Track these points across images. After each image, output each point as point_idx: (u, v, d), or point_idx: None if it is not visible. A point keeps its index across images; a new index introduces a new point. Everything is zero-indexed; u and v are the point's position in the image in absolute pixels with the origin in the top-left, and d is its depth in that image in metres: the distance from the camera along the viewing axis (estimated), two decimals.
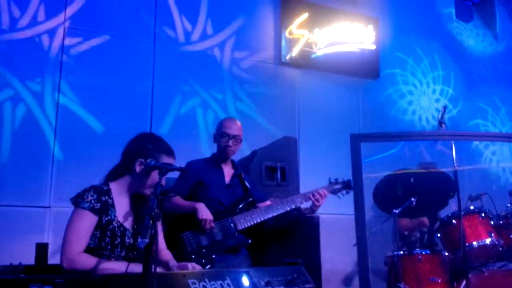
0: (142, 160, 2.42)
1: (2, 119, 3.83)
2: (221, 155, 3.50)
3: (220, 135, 3.47)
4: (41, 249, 2.98)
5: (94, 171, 3.94)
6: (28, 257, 2.95)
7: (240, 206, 3.37)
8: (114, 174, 2.52)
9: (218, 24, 4.90)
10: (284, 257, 3.71)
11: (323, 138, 5.14)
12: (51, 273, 2.55)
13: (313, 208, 3.53)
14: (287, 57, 5.19)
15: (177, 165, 2.48)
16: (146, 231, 1.81)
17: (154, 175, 2.41)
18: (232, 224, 3.26)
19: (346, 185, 3.62)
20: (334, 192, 3.61)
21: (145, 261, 1.80)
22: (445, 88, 6.24)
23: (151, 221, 1.85)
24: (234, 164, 3.60)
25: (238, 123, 3.54)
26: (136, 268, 2.22)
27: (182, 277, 2.07)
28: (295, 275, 2.47)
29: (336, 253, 4.60)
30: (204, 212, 3.17)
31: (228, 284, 2.21)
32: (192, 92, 4.66)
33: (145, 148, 2.45)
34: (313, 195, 3.43)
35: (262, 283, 2.33)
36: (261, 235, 3.75)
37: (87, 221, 2.32)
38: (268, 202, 3.53)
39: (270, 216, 3.33)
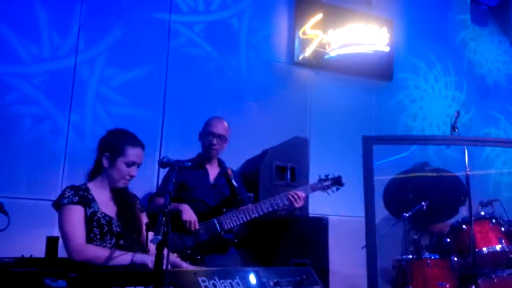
0: (108, 154, 2.52)
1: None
2: (205, 154, 3.46)
3: (206, 133, 3.43)
4: (52, 242, 3.00)
5: None
6: (39, 250, 2.97)
7: (226, 205, 3.32)
8: (90, 175, 2.62)
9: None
10: (292, 258, 3.71)
11: (334, 139, 5.12)
12: (62, 266, 2.57)
13: (289, 209, 3.49)
14: (300, 57, 5.17)
15: (189, 163, 2.53)
16: (160, 228, 1.83)
17: (121, 167, 2.51)
18: (217, 224, 3.22)
19: (336, 181, 3.55)
20: (323, 189, 3.53)
21: (157, 258, 1.81)
22: (457, 94, 6.19)
23: (163, 218, 1.87)
24: (220, 163, 3.54)
25: (225, 123, 3.50)
26: (141, 257, 2.32)
27: (192, 275, 2.09)
28: (304, 276, 2.47)
29: (344, 255, 4.58)
30: (188, 214, 3.14)
31: (237, 283, 2.22)
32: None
33: (109, 142, 2.57)
34: (292, 196, 3.37)
35: (271, 283, 2.34)
36: (270, 233, 3.77)
37: (75, 213, 2.41)
38: (248, 206, 3.40)
39: (257, 215, 3.27)
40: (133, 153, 2.53)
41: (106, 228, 2.45)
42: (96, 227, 2.43)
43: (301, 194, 3.40)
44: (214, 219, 3.23)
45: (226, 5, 4.92)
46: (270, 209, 3.32)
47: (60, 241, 3.02)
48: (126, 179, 2.57)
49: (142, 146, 2.60)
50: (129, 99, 4.31)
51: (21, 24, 3.98)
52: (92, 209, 2.45)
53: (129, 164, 2.52)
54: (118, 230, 2.48)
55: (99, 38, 4.25)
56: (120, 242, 2.47)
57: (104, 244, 2.42)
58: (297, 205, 3.38)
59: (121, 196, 2.59)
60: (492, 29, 6.70)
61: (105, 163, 2.53)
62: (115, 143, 2.54)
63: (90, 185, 2.55)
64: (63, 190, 2.49)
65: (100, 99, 4.17)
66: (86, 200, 2.45)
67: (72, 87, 4.09)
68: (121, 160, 2.51)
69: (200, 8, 4.78)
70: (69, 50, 4.12)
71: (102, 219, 2.45)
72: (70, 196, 2.43)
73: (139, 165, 2.58)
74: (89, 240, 2.40)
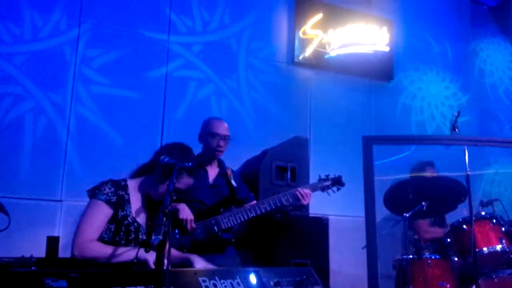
0: (163, 170, 2.43)
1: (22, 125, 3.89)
2: (209, 156, 3.45)
3: (210, 135, 3.41)
4: (52, 242, 2.99)
5: (105, 167, 3.99)
6: (39, 250, 2.97)
7: (224, 205, 3.32)
8: (136, 172, 2.59)
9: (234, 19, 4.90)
10: (292, 258, 3.71)
11: (335, 139, 5.12)
12: (63, 266, 2.57)
13: (296, 206, 3.48)
14: (300, 57, 5.17)
15: (190, 164, 2.51)
16: (160, 228, 1.83)
17: (168, 188, 2.39)
18: (214, 224, 3.21)
19: (337, 182, 3.55)
20: (323, 189, 3.53)
21: (157, 258, 1.81)
22: (457, 92, 6.20)
23: (164, 218, 1.86)
24: (220, 163, 3.54)
25: (225, 123, 3.51)
26: (145, 254, 2.27)
27: (193, 275, 2.09)
28: (304, 276, 2.47)
29: (345, 255, 4.59)
30: (185, 212, 3.14)
31: (238, 283, 2.22)
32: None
33: (171, 154, 2.47)
34: (300, 193, 3.37)
35: (271, 283, 2.34)
36: (270, 233, 3.76)
37: (102, 213, 2.37)
38: (253, 202, 3.45)
39: (254, 214, 3.27)
40: (186, 182, 2.46)
41: (133, 236, 2.42)
42: (123, 231, 2.40)
43: (308, 191, 3.40)
44: (212, 219, 3.23)
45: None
46: (268, 209, 3.32)
47: (61, 241, 3.04)
48: (163, 197, 2.50)
49: (196, 174, 2.52)
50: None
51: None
52: (125, 212, 2.41)
53: (176, 190, 2.44)
54: (145, 238, 2.45)
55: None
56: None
57: None
58: (304, 202, 3.38)
59: (153, 202, 2.54)
60: (492, 29, 6.69)
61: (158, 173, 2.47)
62: (175, 157, 2.42)
63: (130, 183, 2.50)
64: (103, 182, 2.43)
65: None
66: (122, 202, 2.41)
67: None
68: (172, 183, 2.40)
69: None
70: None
71: (131, 225, 2.42)
72: (110, 194, 2.39)
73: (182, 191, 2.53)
74: (114, 242, 2.37)
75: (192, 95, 4.58)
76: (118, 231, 2.39)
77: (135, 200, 2.48)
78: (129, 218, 2.42)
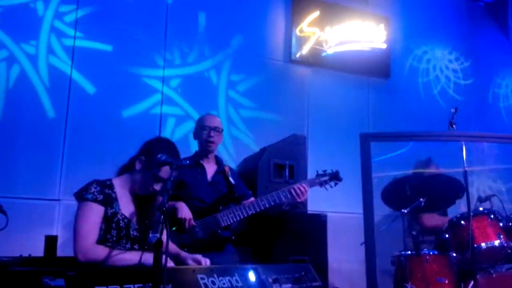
0: (143, 158, 2.47)
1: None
2: (203, 150, 3.46)
3: (201, 128, 3.43)
4: (50, 241, 3.01)
5: (104, 166, 3.98)
6: (37, 249, 2.98)
7: (223, 203, 3.32)
8: (120, 170, 2.59)
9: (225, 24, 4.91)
10: (291, 255, 3.71)
11: (332, 136, 5.13)
12: (61, 265, 2.57)
13: (293, 204, 3.48)
14: (297, 55, 5.18)
15: (187, 162, 2.51)
16: (158, 226, 1.83)
17: (149, 178, 2.44)
18: (214, 222, 3.22)
19: (334, 177, 3.55)
20: (321, 184, 3.52)
21: (155, 255, 1.81)
22: (457, 81, 6.20)
23: (162, 216, 1.86)
24: (217, 160, 3.54)
25: (218, 118, 3.54)
26: (150, 258, 2.25)
27: (191, 272, 2.09)
28: (303, 273, 2.48)
29: (343, 252, 4.60)
30: (184, 211, 3.14)
31: (236, 280, 2.23)
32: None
33: (151, 149, 2.49)
34: (294, 190, 3.36)
35: (270, 280, 2.35)
36: (268, 230, 3.77)
37: (94, 212, 2.36)
38: (252, 199, 3.45)
39: (253, 212, 3.28)
40: (166, 170, 2.43)
41: (124, 232, 2.41)
42: (114, 228, 2.39)
43: (304, 187, 3.39)
44: (211, 217, 3.23)
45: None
46: (267, 206, 3.32)
47: (59, 240, 3.04)
48: (147, 191, 2.50)
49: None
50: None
51: None
52: (114, 209, 2.41)
53: (158, 180, 2.44)
54: (135, 234, 2.45)
55: None
56: (134, 246, 2.44)
57: (118, 247, 2.38)
58: (299, 200, 3.37)
59: (142, 198, 2.54)
60: (489, 25, 6.68)
61: (138, 166, 2.48)
62: (154, 150, 2.45)
63: (115, 182, 2.50)
64: (89, 183, 2.42)
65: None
66: (109, 199, 2.41)
67: None
68: (153, 172, 2.43)
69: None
70: None
71: (121, 221, 2.41)
72: (96, 193, 2.38)
73: (165, 182, 2.50)
74: (105, 240, 2.36)
75: None
76: (109, 229, 2.38)
77: (123, 197, 2.48)
78: (118, 215, 2.41)
